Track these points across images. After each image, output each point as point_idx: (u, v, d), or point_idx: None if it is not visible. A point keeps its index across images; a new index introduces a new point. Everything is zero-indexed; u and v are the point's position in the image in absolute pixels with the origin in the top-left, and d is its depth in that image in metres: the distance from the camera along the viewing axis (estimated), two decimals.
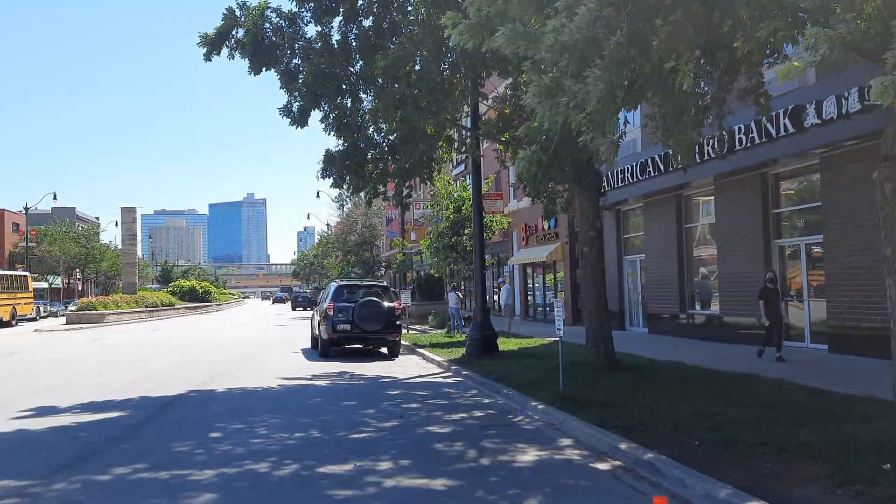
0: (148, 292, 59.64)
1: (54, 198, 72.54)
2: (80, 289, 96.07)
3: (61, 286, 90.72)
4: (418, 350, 20.09)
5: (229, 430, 9.14)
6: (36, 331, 37.16)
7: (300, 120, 13.74)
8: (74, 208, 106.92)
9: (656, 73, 6.67)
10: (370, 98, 13.85)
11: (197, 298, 67.78)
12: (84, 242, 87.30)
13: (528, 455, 7.85)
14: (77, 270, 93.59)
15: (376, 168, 14.48)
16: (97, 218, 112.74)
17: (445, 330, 26.37)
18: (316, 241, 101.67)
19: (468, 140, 15.25)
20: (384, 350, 19.96)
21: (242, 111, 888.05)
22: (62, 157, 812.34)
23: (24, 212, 74.23)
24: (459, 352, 18.20)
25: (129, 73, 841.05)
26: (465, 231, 21.48)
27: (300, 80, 13.30)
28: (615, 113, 7.31)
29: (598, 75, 6.44)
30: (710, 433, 7.89)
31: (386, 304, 19.01)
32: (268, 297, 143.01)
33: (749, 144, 16.68)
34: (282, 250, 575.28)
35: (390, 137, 14.19)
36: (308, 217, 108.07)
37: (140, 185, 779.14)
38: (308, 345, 22.29)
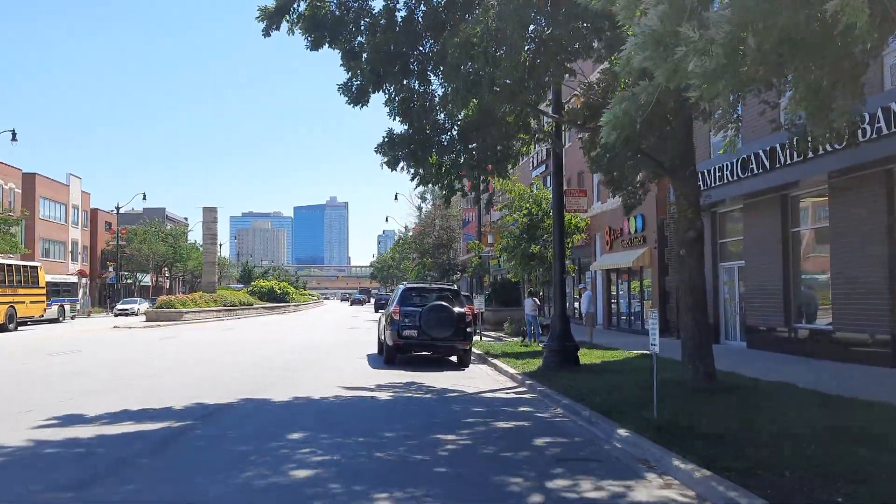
0: (227, 291, 60.28)
1: (144, 198, 74.68)
2: (167, 287, 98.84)
3: (150, 284, 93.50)
4: (490, 360, 18.59)
5: (265, 450, 7.89)
6: (115, 327, 37.56)
7: (358, 98, 12.49)
8: (164, 209, 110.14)
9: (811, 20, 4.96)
10: (440, 80, 12.48)
11: (275, 299, 68.23)
12: (171, 242, 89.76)
13: None
14: (165, 269, 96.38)
15: (446, 158, 13.08)
16: (185, 218, 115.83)
17: (521, 338, 24.79)
18: (394, 242, 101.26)
19: (548, 128, 13.64)
20: (453, 358, 18.57)
21: (328, 117, 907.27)
22: (154, 159, 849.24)
23: (115, 211, 76.86)
24: (535, 363, 16.62)
25: (219, 77, 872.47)
26: (541, 229, 19.70)
27: (363, 59, 12.04)
28: (737, 71, 5.65)
29: (727, 16, 4.84)
30: (856, 486, 6.12)
31: (456, 309, 17.59)
32: (346, 299, 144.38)
33: (874, 135, 14.50)
34: (362, 253, 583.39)
35: (460, 122, 12.74)
36: (386, 220, 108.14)
37: (228, 187, 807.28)
38: (375, 350, 21.12)
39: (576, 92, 15.73)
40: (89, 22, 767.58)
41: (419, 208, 62.84)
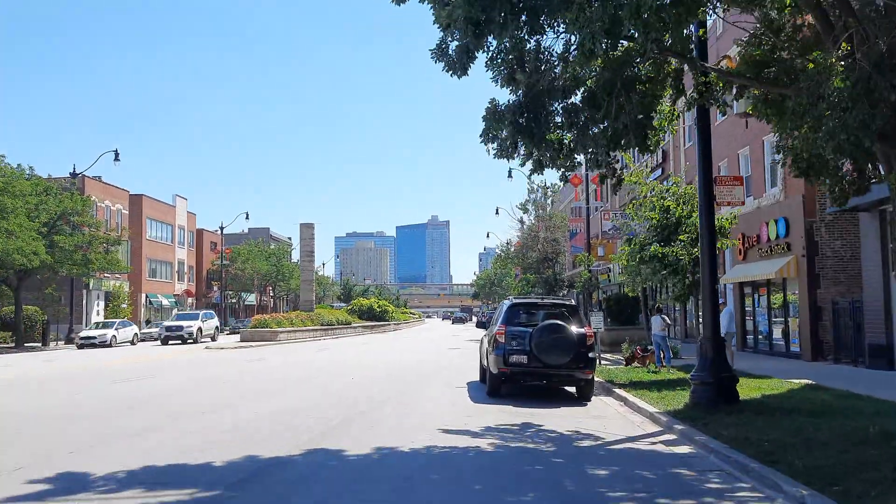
0: (325, 310, 58.92)
1: (246, 217, 75.30)
2: (271, 306, 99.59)
3: (255, 303, 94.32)
4: (616, 391, 15.24)
5: None
6: (207, 348, 36.31)
7: (459, 64, 9.65)
8: (268, 228, 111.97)
9: None
10: (557, 31, 9.46)
11: (374, 317, 66.64)
12: (274, 261, 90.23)
13: None
14: (269, 288, 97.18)
15: (567, 133, 10.04)
16: (289, 238, 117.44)
17: (638, 363, 21.21)
18: (495, 257, 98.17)
19: (699, 82, 10.26)
20: (571, 388, 15.39)
21: (429, 137, 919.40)
22: (260, 182, 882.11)
23: (219, 231, 77.93)
24: (676, 398, 13.23)
25: (321, 102, 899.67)
26: (680, 230, 16.19)
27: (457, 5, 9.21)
28: None
29: None
30: None
31: (574, 328, 14.34)
32: (448, 318, 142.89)
33: None
34: (463, 271, 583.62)
35: (587, 83, 9.63)
36: (487, 235, 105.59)
37: (332, 208, 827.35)
38: (476, 376, 18.14)
39: (727, 54, 12.39)
40: (193, 47, 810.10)
41: (521, 221, 59.63)
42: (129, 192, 66.92)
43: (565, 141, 10.35)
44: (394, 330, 69.69)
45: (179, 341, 41.92)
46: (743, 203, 24.09)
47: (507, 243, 68.39)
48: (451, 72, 9.89)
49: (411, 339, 50.30)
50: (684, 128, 33.13)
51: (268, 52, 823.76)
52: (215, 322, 48.34)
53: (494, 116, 9.81)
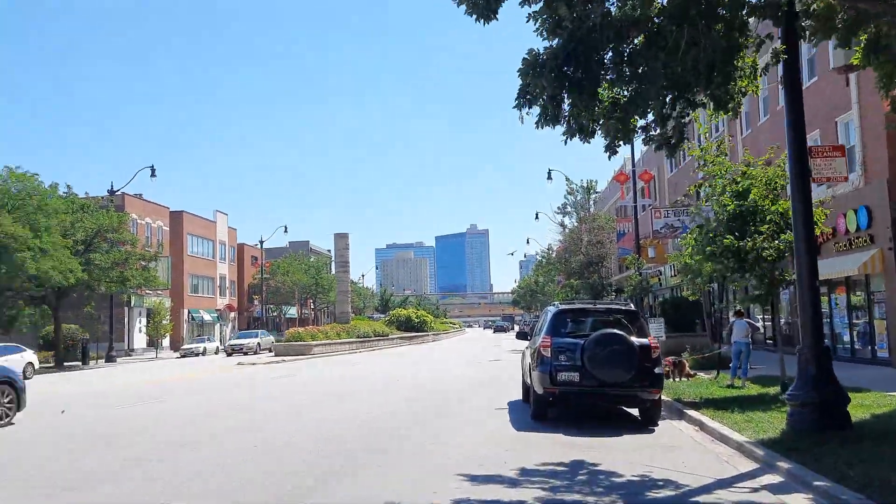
0: (363, 321, 57.09)
1: (285, 230, 74.24)
2: (312, 318, 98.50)
3: (296, 316, 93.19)
4: (688, 412, 12.72)
5: None
6: (239, 364, 34.58)
7: (484, 6, 7.48)
8: (308, 241, 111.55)
9: None
10: None
11: (413, 328, 64.67)
12: (313, 273, 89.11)
13: None
14: (310, 300, 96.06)
15: (621, 84, 7.73)
16: (328, 250, 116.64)
17: (714, 374, 18.67)
18: (536, 263, 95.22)
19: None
20: (632, 410, 12.97)
21: (466, 146, 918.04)
22: (301, 196, 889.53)
23: (259, 245, 77.25)
24: (766, 421, 10.77)
25: (361, 116, 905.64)
26: (761, 218, 13.46)
27: None
28: None
29: None
30: None
31: (635, 339, 11.91)
32: (489, 327, 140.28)
33: None
34: (504, 279, 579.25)
35: (655, 19, 7.30)
36: (528, 242, 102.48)
37: (372, 220, 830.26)
38: (519, 394, 15.80)
39: None
40: (229, 64, 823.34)
41: (562, 224, 56.89)
42: (169, 208, 66.34)
43: (620, 99, 8.04)
44: (432, 341, 67.61)
45: None
46: (846, 178, 20.80)
47: (549, 248, 65.64)
48: (475, 16, 7.71)
49: (449, 350, 47.99)
50: (741, 114, 30.33)
51: (302, 66, 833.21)
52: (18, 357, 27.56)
53: (534, 68, 7.54)
